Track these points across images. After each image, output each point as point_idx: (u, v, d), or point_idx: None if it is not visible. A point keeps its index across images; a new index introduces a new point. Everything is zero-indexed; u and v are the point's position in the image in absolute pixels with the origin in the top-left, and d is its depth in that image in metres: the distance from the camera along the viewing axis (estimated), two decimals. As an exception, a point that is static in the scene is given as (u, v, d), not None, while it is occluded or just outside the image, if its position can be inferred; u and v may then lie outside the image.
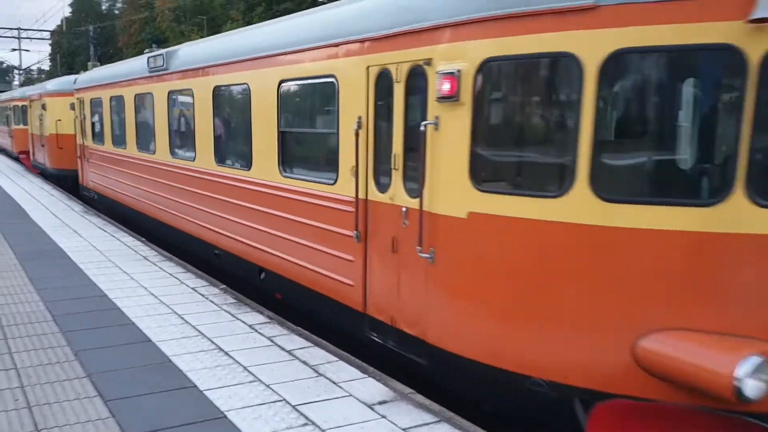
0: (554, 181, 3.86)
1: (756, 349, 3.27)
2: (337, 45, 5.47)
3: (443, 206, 4.36)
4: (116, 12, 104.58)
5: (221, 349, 5.06)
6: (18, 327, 5.51)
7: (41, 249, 8.70)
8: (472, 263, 4.24)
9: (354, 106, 5.24)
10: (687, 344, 3.44)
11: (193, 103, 8.38)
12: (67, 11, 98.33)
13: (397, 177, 4.81)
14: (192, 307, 6.21)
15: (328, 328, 5.78)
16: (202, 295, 6.63)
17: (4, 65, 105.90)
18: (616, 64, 3.62)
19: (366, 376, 4.60)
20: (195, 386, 4.35)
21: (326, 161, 5.75)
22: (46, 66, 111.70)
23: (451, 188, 4.31)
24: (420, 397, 4.29)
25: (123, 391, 4.24)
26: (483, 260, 4.19)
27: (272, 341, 5.28)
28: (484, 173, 4.20)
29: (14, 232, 9.91)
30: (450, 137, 4.28)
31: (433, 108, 4.38)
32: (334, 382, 4.48)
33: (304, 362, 4.84)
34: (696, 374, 3.37)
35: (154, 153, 9.94)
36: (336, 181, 5.50)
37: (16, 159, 24.45)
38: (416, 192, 4.57)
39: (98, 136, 13.11)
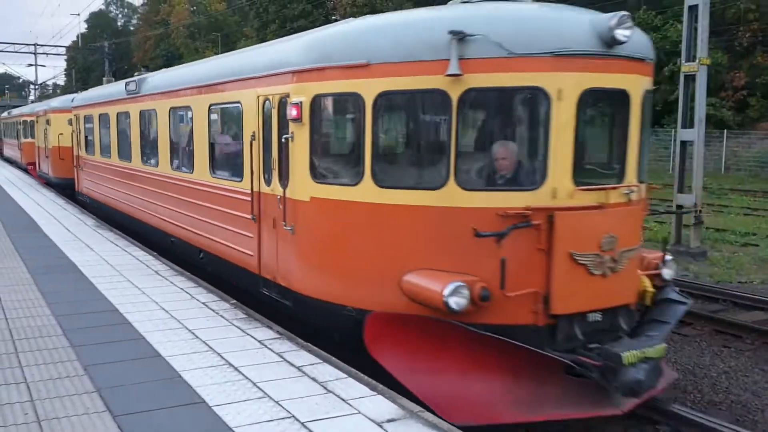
0: (354, 174, 5.82)
1: (459, 279, 5.09)
2: (241, 80, 7.51)
3: (297, 193, 6.30)
4: (131, 28, 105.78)
5: (231, 365, 5.05)
6: (29, 341, 5.53)
7: (53, 263, 8.74)
8: (312, 232, 6.21)
9: (251, 124, 7.20)
10: (425, 277, 5.31)
11: (157, 120, 10.50)
12: (83, 27, 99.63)
13: (275, 174, 6.70)
14: (202, 322, 6.21)
15: (239, 290, 7.60)
16: (213, 310, 6.63)
17: (21, 80, 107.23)
18: (381, 100, 5.60)
19: (375, 393, 4.57)
20: (204, 402, 4.34)
21: (236, 164, 7.67)
22: (61, 81, 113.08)
23: (301, 181, 6.24)
24: (429, 415, 4.25)
25: (132, 407, 4.23)
26: (317, 229, 6.18)
27: (282, 357, 5.27)
28: (317, 170, 6.15)
29: (27, 246, 9.97)
30: (299, 147, 6.23)
31: (291, 127, 6.28)
32: (343, 399, 4.45)
33: (313, 378, 4.81)
34: (427, 295, 5.24)
35: (130, 161, 11.98)
36: (242, 179, 7.44)
37: (25, 170, 25.84)
38: (285, 184, 6.44)
39: (90, 148, 15.33)
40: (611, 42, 5.24)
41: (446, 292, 5.00)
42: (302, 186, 6.19)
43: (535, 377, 5.17)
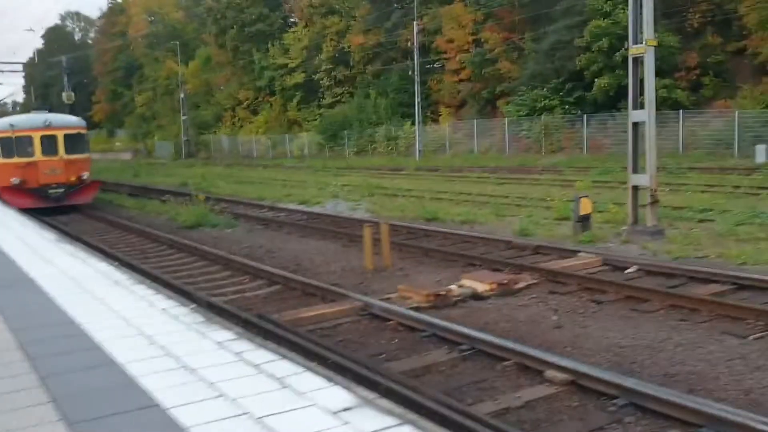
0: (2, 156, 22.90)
1: (17, 178, 22.15)
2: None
3: None
4: (89, 42, 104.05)
5: (188, 367, 5.07)
6: (-17, 357, 5.48)
7: (11, 278, 8.65)
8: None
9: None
10: (12, 177, 22.17)
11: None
12: (39, 43, 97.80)
13: None
14: (161, 327, 6.21)
15: None
16: (172, 315, 6.63)
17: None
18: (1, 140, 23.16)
19: (332, 384, 4.63)
20: (158, 405, 4.36)
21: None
22: (20, 98, 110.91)
23: None
24: (384, 402, 4.33)
25: (87, 414, 4.24)
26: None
27: (240, 356, 5.30)
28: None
29: (-16, 264, 9.84)
30: None
31: None
32: (300, 393, 4.50)
33: (271, 375, 4.86)
34: (12, 181, 22.62)
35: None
36: None
37: None
38: None
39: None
40: (46, 126, 22.67)
41: (13, 180, 21.65)
42: None
43: (35, 198, 21.91)
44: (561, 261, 11.51)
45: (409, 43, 49.11)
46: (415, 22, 46.26)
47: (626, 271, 10.78)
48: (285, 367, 5.03)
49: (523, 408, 6.11)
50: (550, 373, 6.60)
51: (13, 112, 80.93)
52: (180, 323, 6.35)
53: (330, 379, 4.74)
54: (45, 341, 5.88)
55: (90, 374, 5.00)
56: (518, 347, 7.20)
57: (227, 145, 67.28)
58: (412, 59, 47.27)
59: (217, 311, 9.00)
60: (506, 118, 41.95)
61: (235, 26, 64.30)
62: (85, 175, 23.09)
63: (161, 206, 22.67)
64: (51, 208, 21.94)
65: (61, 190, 22.28)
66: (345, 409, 4.21)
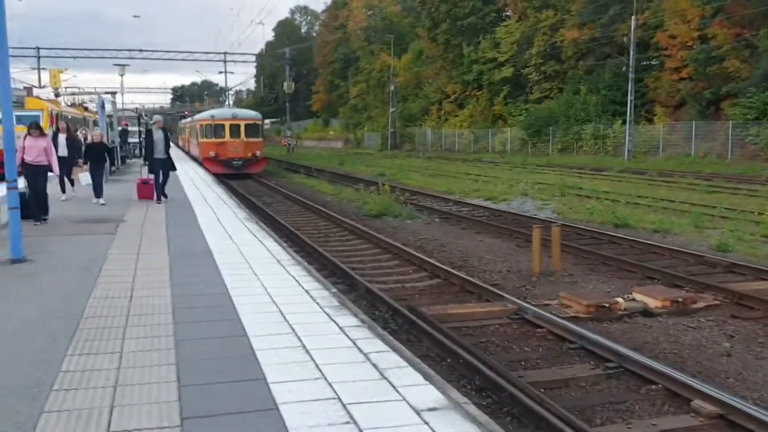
0: (205, 135, 33.22)
1: (213, 152, 32.57)
2: (197, 119, 37.17)
3: (199, 141, 34.80)
4: (314, 34, 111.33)
5: (304, 347, 5.30)
6: (140, 317, 6.16)
7: (192, 250, 9.57)
8: (200, 147, 34.17)
9: (197, 129, 36.56)
10: (212, 151, 32.12)
11: (192, 128, 40.44)
12: (270, 36, 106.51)
13: (195, 139, 37.74)
14: (297, 307, 6.54)
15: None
16: (312, 297, 6.95)
17: (218, 87, 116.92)
18: (205, 125, 33.77)
19: (427, 383, 4.58)
20: (263, 379, 4.60)
21: (197, 137, 36.30)
22: (252, 86, 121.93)
23: (199, 139, 34.36)
24: (472, 408, 4.20)
25: (199, 379, 4.60)
26: (201, 146, 33.44)
27: (354, 343, 5.42)
28: (202, 136, 34.05)
29: (178, 235, 10.99)
30: (197, 135, 37.08)
31: (199, 129, 36.08)
32: (394, 386, 4.51)
33: (374, 365, 4.92)
34: (211, 155, 32.75)
35: (191, 137, 40.90)
36: (198, 140, 35.07)
37: (181, 149, 52.22)
38: (196, 140, 36.69)
39: (189, 137, 42.25)
40: (233, 117, 32.50)
41: (211, 153, 31.42)
42: (200, 140, 33.68)
43: (224, 167, 31.06)
44: (753, 283, 10.28)
45: (625, 39, 46.47)
46: (633, 17, 43.62)
47: (830, 301, 9.37)
48: (391, 359, 5.06)
49: (656, 437, 5.58)
50: (697, 403, 5.96)
51: (246, 100, 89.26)
52: (315, 305, 6.63)
53: (428, 377, 4.69)
54: (194, 308, 6.46)
55: (219, 343, 5.41)
56: (668, 371, 6.57)
57: (431, 138, 68.52)
58: (628, 55, 44.66)
59: (372, 297, 9.29)
60: (730, 122, 38.17)
61: (447, 20, 65.11)
62: (258, 152, 32.46)
63: (354, 194, 23.71)
64: (233, 174, 30.81)
65: (241, 162, 31.60)
66: (430, 409, 4.15)
